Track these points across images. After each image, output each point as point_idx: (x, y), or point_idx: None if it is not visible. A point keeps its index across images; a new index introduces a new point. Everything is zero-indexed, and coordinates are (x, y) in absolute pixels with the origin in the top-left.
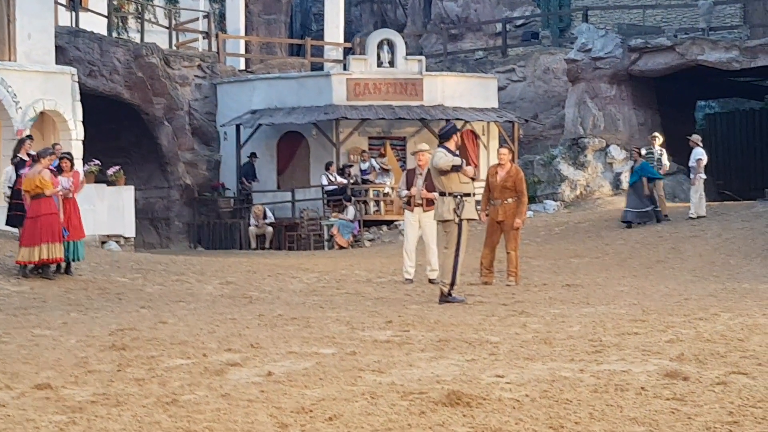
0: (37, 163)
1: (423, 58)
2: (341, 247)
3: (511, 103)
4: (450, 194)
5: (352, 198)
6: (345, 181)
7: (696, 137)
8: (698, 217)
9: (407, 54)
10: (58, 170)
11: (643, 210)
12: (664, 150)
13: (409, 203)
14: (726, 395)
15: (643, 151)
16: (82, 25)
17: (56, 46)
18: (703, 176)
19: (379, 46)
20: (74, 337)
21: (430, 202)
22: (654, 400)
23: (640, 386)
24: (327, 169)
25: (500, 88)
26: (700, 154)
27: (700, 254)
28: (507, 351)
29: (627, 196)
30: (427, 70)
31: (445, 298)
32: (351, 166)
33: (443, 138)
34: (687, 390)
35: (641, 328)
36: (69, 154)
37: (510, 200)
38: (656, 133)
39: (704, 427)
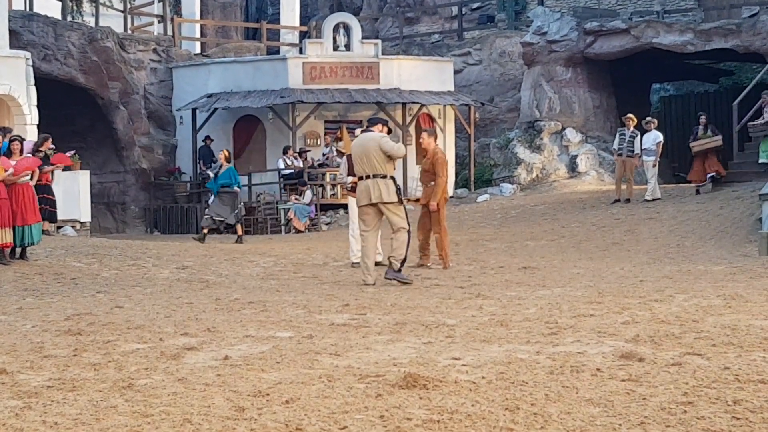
0: None
1: (379, 41)
2: (298, 231)
3: (467, 87)
4: (390, 177)
5: (308, 182)
6: (302, 165)
7: (652, 120)
8: (653, 200)
9: (363, 37)
10: (8, 153)
11: (219, 218)
12: (638, 133)
13: (353, 189)
14: (681, 376)
15: (616, 138)
16: (36, 9)
17: (10, 30)
18: (658, 159)
19: (335, 29)
20: (30, 322)
21: None
22: (609, 381)
23: (596, 367)
24: (285, 153)
25: (456, 72)
26: (659, 137)
27: (655, 236)
28: (463, 333)
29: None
30: (383, 54)
31: (395, 273)
32: (308, 150)
33: (370, 124)
34: (642, 371)
35: (597, 310)
36: (19, 136)
37: (432, 183)
38: (630, 115)
39: (659, 408)
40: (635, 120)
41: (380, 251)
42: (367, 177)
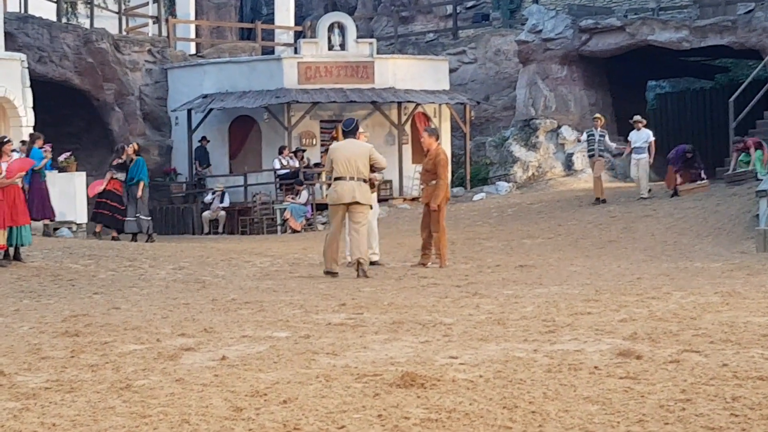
0: None
1: (374, 40)
2: (294, 231)
3: (463, 85)
4: (365, 180)
5: (305, 182)
6: (297, 165)
7: (640, 119)
8: (650, 197)
9: (358, 37)
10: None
11: (133, 219)
12: (606, 132)
13: None
14: (679, 373)
15: (584, 136)
16: (31, 11)
17: (5, 33)
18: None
19: (330, 29)
20: (27, 324)
21: (371, 184)
22: (607, 379)
23: (594, 365)
24: (280, 153)
25: (451, 70)
26: (650, 136)
27: (652, 234)
28: (461, 332)
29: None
30: (378, 53)
31: (364, 271)
32: (304, 150)
33: (351, 133)
34: (640, 368)
35: (594, 307)
36: (10, 139)
37: (433, 182)
38: (598, 115)
39: (657, 405)
40: (603, 120)
41: (376, 251)
42: (351, 179)
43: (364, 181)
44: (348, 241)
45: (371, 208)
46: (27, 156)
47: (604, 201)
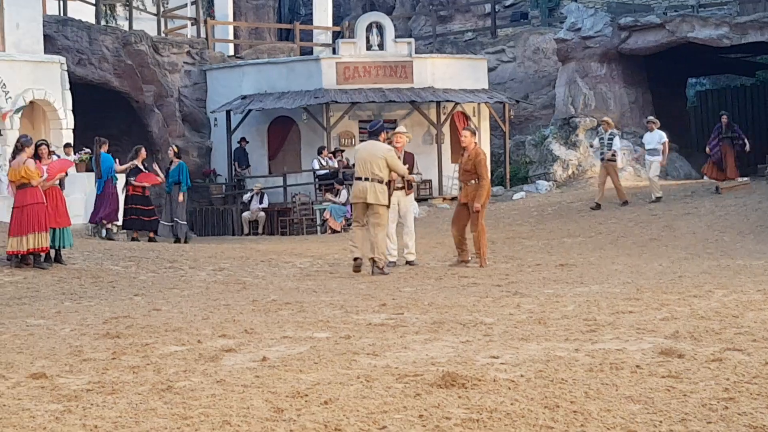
0: (21, 152)
1: (412, 40)
2: (334, 231)
3: (502, 84)
4: (380, 181)
5: (344, 182)
6: (337, 165)
7: (654, 120)
8: (657, 199)
9: (396, 37)
10: (36, 158)
11: (169, 224)
12: (616, 135)
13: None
14: (721, 372)
15: (596, 141)
16: (70, 14)
17: (45, 35)
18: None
19: (368, 29)
20: (68, 326)
21: (409, 185)
22: (649, 378)
23: (636, 364)
24: (319, 153)
25: (490, 69)
26: (663, 137)
27: (693, 232)
28: (501, 332)
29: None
30: (416, 53)
31: (379, 270)
32: (343, 150)
33: (375, 134)
34: (682, 367)
35: (635, 306)
36: (45, 141)
37: (472, 182)
38: (606, 118)
39: (700, 404)
40: (612, 123)
41: (413, 251)
42: (366, 179)
43: (380, 182)
44: (387, 239)
45: (388, 207)
46: (98, 161)
47: (598, 206)
